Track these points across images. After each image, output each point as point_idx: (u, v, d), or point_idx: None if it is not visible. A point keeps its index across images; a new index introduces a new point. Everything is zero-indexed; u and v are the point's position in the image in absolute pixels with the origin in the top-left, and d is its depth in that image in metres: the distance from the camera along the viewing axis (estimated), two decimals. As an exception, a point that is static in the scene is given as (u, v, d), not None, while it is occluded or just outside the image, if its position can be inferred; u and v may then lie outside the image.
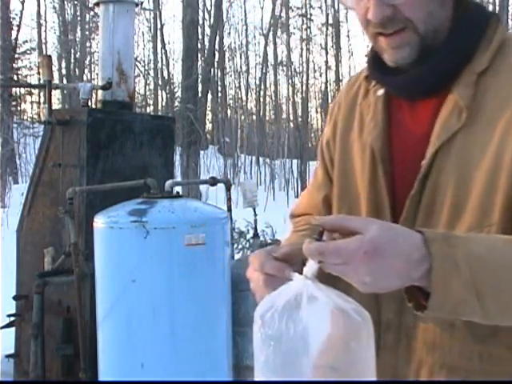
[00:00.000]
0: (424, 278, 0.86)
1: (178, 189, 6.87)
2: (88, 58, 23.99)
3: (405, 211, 1.06)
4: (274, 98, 25.39)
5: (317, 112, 27.62)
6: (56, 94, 22.31)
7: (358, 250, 0.83)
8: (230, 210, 3.60)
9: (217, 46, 20.05)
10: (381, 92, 1.16)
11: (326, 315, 0.83)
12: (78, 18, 23.72)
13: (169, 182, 3.25)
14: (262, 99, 24.73)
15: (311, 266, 0.86)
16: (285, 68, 24.83)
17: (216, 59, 20.59)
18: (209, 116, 23.99)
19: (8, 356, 3.88)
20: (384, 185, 1.10)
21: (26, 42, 24.47)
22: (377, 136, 1.13)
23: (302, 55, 25.20)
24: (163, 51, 21.97)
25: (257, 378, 0.88)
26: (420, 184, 1.05)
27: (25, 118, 24.70)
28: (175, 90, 22.42)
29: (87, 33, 23.41)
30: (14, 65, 22.83)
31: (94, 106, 4.64)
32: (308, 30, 25.64)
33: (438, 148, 1.04)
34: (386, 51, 1.08)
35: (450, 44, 1.06)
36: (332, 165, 1.25)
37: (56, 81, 17.43)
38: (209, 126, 25.58)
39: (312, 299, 0.84)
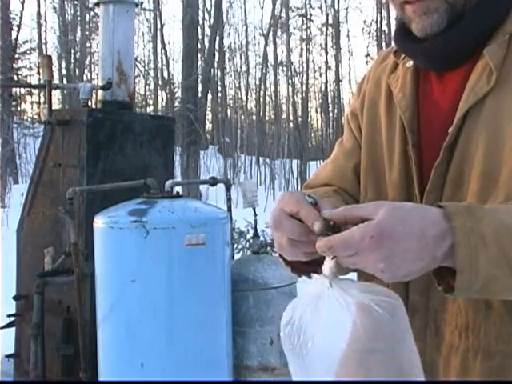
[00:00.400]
0: (449, 256, 0.80)
1: (178, 189, 6.86)
2: (88, 58, 24.00)
3: (429, 182, 1.00)
4: (273, 98, 25.36)
5: (317, 112, 27.65)
6: (56, 94, 22.35)
7: (365, 236, 0.77)
8: (229, 210, 3.60)
9: (217, 46, 20.05)
10: (410, 63, 1.11)
11: (348, 316, 0.78)
12: (78, 18, 23.74)
13: (169, 182, 3.25)
14: (261, 99, 24.75)
15: (328, 263, 0.82)
16: (285, 68, 24.84)
17: (216, 59, 20.59)
18: (209, 116, 24.04)
19: (8, 356, 3.88)
20: (412, 157, 1.05)
21: (26, 42, 24.52)
22: (406, 107, 1.08)
23: (301, 55, 25.27)
24: (163, 51, 22.02)
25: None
26: (447, 152, 0.99)
27: (25, 118, 24.74)
28: (175, 90, 22.43)
29: (87, 33, 23.43)
30: (14, 65, 22.85)
31: (94, 106, 4.64)
32: (308, 30, 25.70)
33: (466, 112, 0.97)
34: (413, 20, 1.02)
35: (482, 6, 1.00)
36: (360, 133, 1.20)
37: (56, 81, 17.44)
38: (209, 126, 25.62)
39: (331, 300, 0.80)
